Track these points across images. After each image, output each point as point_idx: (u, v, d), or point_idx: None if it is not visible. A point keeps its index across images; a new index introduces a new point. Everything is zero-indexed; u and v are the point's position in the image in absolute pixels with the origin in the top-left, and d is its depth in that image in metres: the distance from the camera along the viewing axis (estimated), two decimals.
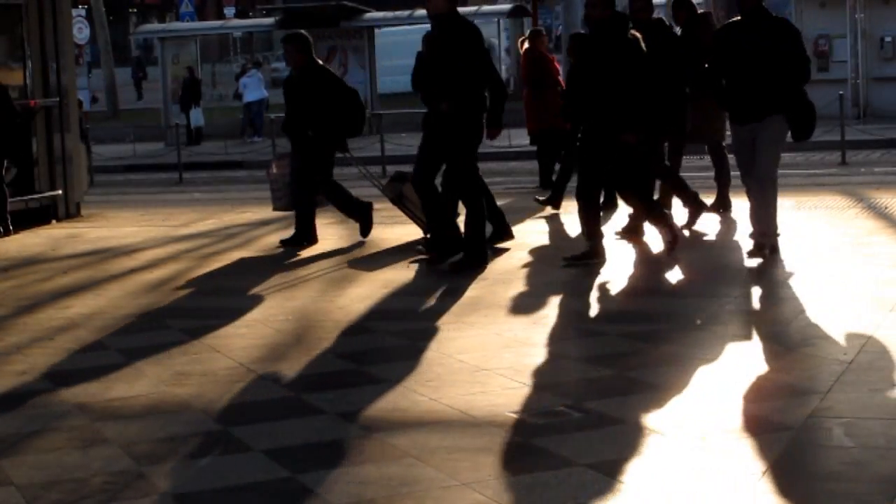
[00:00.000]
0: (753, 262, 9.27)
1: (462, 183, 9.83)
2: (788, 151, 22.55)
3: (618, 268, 9.66)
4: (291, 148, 11.40)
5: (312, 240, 11.29)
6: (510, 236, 10.84)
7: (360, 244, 11.24)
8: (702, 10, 12.69)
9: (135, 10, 62.02)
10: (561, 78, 14.81)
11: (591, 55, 9.63)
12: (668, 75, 10.66)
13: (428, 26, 10.42)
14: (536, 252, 10.58)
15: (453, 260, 9.82)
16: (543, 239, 11.48)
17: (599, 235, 9.71)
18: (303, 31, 11.87)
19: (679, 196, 11.42)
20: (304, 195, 11.23)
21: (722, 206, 12.00)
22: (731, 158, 10.83)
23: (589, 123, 9.55)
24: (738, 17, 9.44)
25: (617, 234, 10.78)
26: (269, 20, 33.90)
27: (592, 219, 9.69)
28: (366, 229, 11.42)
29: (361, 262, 10.45)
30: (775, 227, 9.45)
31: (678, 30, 11.92)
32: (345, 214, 11.61)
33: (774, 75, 9.02)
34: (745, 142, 9.32)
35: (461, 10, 10.64)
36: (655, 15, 11.79)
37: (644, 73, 9.45)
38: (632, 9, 11.19)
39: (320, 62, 11.42)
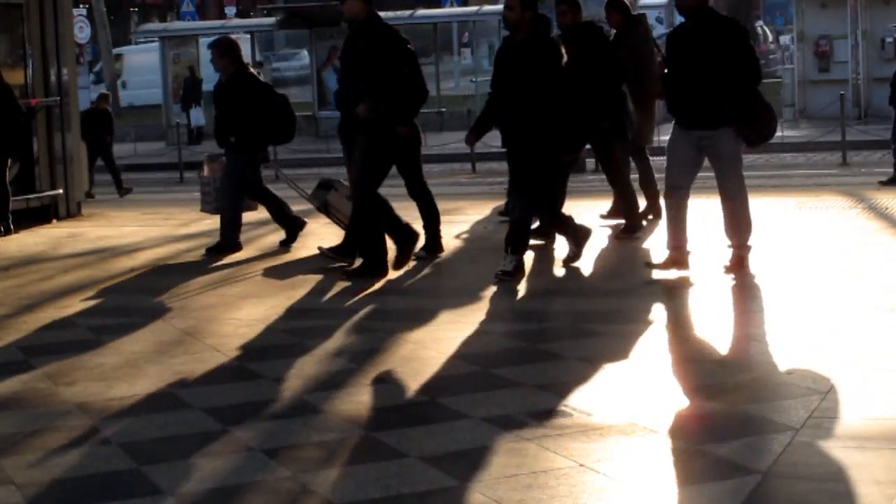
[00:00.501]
0: (731, 277, 8.85)
1: (361, 191, 9.50)
2: (790, 152, 22.70)
3: (617, 268, 9.66)
4: (225, 154, 11.35)
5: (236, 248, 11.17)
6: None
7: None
8: (636, 13, 12.25)
9: (136, 10, 61.97)
10: None
11: (509, 60, 9.24)
12: (603, 79, 10.38)
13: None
14: (536, 253, 10.57)
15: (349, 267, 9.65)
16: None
17: (580, 233, 9.60)
18: (229, 36, 11.82)
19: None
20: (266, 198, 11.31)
21: (652, 213, 11.66)
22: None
23: (512, 131, 9.19)
24: (685, 21, 9.07)
25: (615, 237, 10.76)
26: (271, 20, 33.90)
27: (562, 222, 9.53)
28: (288, 241, 11.30)
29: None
30: (747, 239, 9.04)
31: (612, 32, 11.64)
32: (276, 222, 11.48)
33: (723, 80, 8.62)
34: (689, 145, 8.85)
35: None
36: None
37: (556, 81, 9.07)
38: (556, 12, 10.91)
39: (250, 68, 11.30)
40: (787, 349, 6.86)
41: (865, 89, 25.75)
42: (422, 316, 8.18)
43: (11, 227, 13.21)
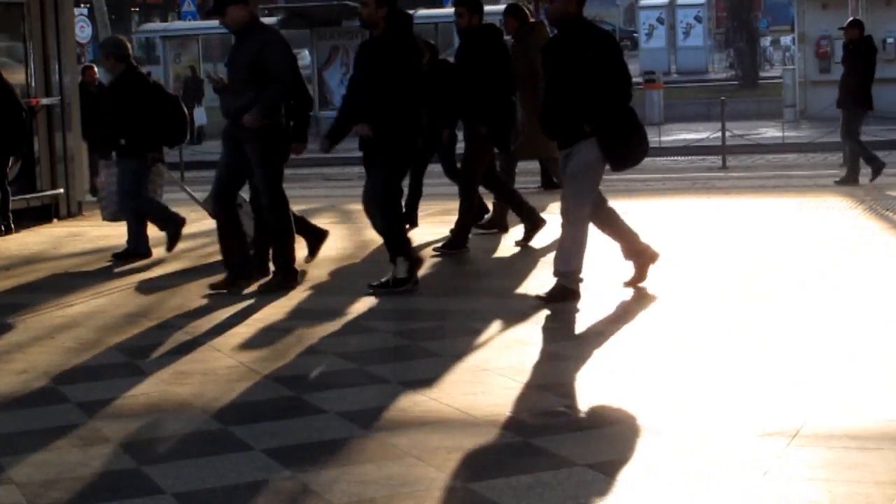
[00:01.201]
0: (535, 302, 8.20)
1: (269, 199, 9.19)
2: (791, 152, 22.70)
3: (616, 270, 9.66)
4: (116, 158, 11.19)
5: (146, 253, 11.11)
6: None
7: (361, 244, 11.24)
8: (533, 19, 11.82)
9: (137, 9, 62.04)
10: None
11: (361, 60, 8.89)
12: (491, 85, 10.22)
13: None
14: (537, 254, 10.58)
15: (263, 281, 9.30)
16: (544, 240, 11.46)
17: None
18: (119, 36, 11.67)
19: (515, 211, 11.00)
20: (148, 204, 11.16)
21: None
22: None
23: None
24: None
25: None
26: (272, 20, 33.87)
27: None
28: (171, 244, 11.15)
29: (361, 261, 10.46)
30: (578, 269, 8.22)
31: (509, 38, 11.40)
32: (158, 227, 11.28)
33: (585, 96, 8.01)
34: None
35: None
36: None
37: (403, 81, 8.69)
38: (455, 13, 10.66)
39: (139, 69, 11.16)
40: (783, 349, 6.87)
41: None
42: (422, 316, 8.18)
43: (12, 226, 13.22)
